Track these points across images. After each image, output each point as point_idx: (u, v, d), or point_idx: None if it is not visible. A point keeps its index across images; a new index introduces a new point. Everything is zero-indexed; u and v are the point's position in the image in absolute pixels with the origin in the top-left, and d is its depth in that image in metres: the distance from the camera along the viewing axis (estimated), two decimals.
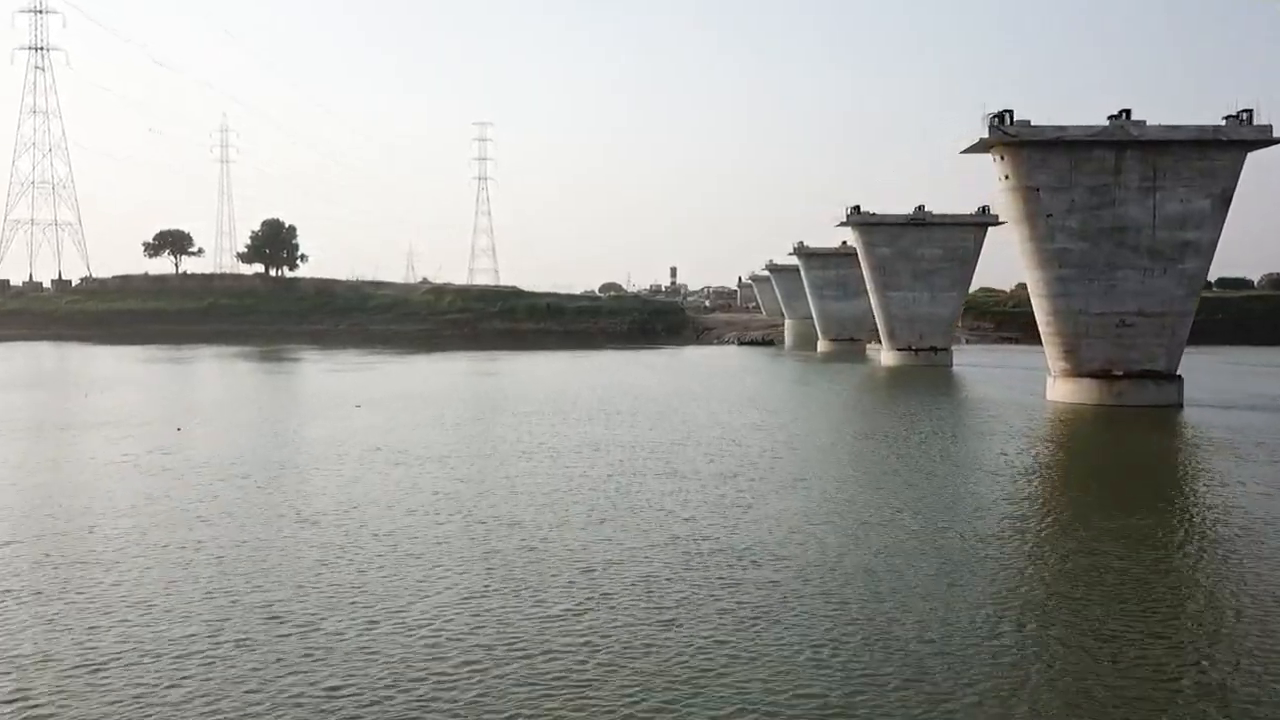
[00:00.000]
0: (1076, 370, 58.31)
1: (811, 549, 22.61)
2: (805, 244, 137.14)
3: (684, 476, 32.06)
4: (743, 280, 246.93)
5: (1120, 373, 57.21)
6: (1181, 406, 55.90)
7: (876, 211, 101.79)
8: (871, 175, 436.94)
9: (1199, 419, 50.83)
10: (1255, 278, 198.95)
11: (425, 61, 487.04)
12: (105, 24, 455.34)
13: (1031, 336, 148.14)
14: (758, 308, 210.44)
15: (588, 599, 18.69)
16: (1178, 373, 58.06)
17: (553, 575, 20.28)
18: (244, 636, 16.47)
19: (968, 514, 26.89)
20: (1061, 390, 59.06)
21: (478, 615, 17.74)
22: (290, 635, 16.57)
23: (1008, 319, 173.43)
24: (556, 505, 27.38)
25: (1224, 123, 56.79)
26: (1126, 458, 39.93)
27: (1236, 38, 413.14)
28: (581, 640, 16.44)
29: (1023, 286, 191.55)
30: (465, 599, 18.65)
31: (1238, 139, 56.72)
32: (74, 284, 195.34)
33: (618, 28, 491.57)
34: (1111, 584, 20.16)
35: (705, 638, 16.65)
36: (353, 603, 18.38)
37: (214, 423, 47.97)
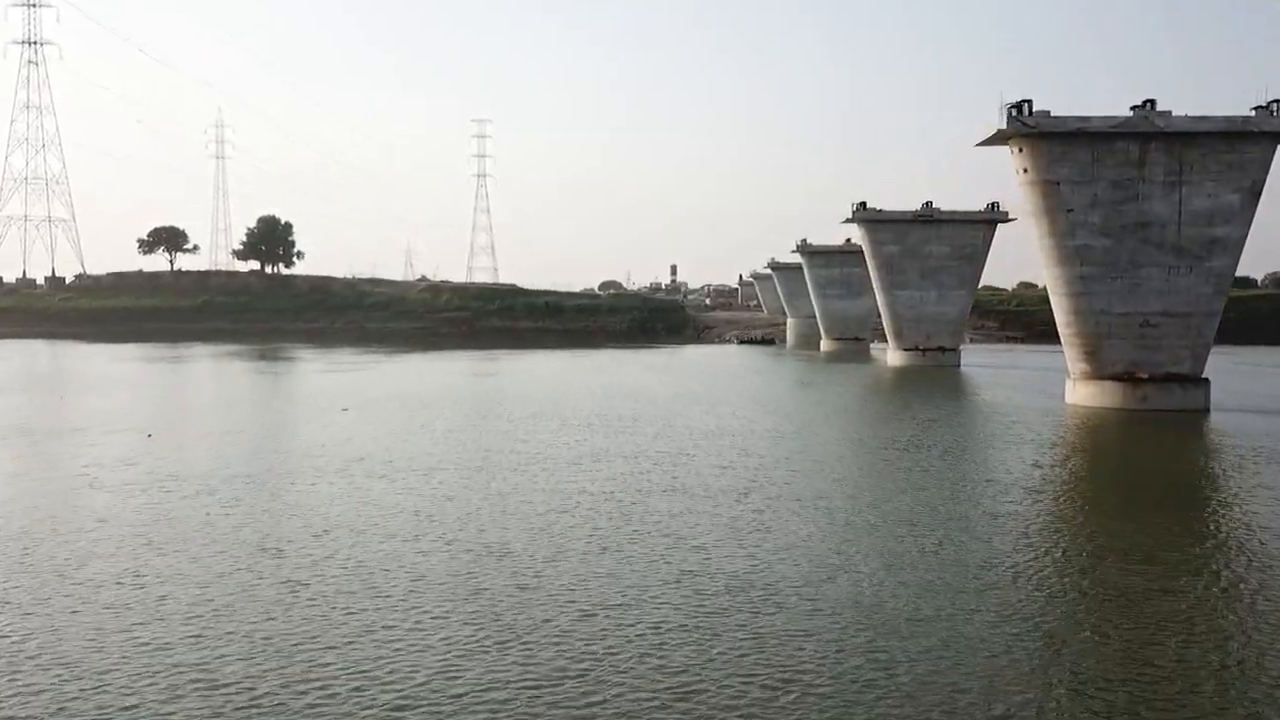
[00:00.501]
0: (1098, 373, 55.67)
1: (844, 587, 19.72)
2: (808, 241, 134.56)
3: (692, 494, 29.24)
4: (744, 278, 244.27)
5: (1144, 375, 54.58)
6: (1209, 411, 53.23)
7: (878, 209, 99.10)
8: (871, 174, 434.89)
9: (1232, 425, 48.08)
10: (1258, 277, 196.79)
11: (424, 60, 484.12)
12: (102, 21, 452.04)
13: (1035, 336, 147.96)
14: (759, 306, 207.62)
15: (587, 655, 15.87)
16: (1204, 375, 55.47)
17: (547, 623, 17.41)
18: (171, 713, 13.59)
19: (1014, 542, 24.05)
20: (1082, 394, 56.39)
21: (458, 679, 14.87)
22: (224, 709, 13.71)
23: (1011, 318, 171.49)
24: (552, 530, 24.53)
25: (1253, 114, 54.20)
26: (1171, 471, 36.96)
27: (1236, 37, 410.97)
28: (580, 715, 13.59)
29: (1025, 285, 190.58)
30: (443, 657, 15.78)
31: (1269, 130, 54.17)
32: (68, 281, 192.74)
33: (617, 27, 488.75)
34: (1195, 636, 17.39)
35: (726, 712, 13.83)
36: (308, 662, 15.49)
37: (190, 428, 45.21)
